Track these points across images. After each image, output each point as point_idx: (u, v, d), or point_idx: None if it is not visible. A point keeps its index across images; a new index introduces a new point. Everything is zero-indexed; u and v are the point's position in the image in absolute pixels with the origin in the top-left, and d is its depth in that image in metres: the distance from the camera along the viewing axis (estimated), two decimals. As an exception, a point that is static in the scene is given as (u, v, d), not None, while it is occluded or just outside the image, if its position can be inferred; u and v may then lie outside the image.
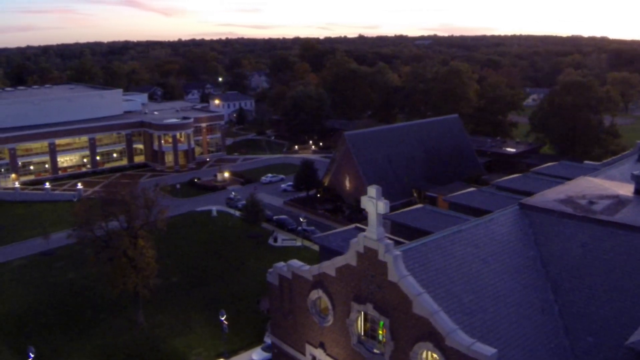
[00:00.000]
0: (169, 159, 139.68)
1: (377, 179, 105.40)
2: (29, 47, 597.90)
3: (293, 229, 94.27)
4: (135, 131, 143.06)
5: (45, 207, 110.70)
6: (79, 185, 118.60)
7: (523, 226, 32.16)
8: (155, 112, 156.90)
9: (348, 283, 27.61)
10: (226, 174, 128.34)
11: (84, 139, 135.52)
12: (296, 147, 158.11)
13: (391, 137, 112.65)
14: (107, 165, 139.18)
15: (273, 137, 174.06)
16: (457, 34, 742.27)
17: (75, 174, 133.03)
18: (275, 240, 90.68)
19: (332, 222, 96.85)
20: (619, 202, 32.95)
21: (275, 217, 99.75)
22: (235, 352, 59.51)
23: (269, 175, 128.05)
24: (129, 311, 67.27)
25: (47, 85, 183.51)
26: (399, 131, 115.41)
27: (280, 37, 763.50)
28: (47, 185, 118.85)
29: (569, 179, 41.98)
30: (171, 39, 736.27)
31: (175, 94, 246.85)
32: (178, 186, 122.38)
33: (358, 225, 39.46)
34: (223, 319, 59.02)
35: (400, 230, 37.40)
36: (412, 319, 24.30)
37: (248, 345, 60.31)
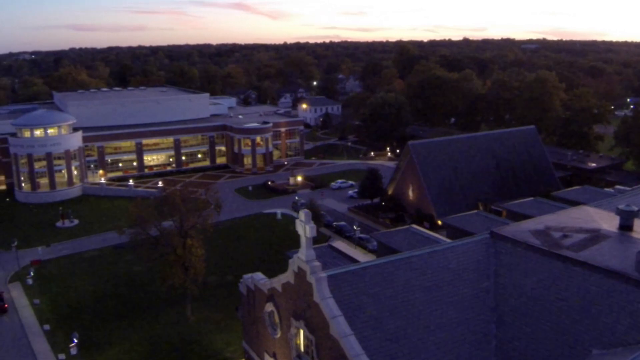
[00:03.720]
0: (248, 161, 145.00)
1: (440, 190, 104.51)
2: (140, 47, 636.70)
3: (350, 236, 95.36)
4: (218, 134, 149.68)
5: (127, 203, 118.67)
6: (160, 184, 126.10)
7: (487, 256, 31.57)
8: (240, 116, 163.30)
9: (289, 300, 28.96)
10: (299, 178, 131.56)
11: (170, 139, 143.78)
12: (372, 153, 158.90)
13: (459, 147, 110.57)
14: (191, 165, 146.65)
15: (350, 143, 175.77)
16: (567, 38, 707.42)
17: (160, 173, 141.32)
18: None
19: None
20: (596, 237, 31.50)
21: (334, 223, 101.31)
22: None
23: (339, 181, 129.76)
24: (181, 305, 71.31)
25: (142, 87, 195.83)
26: (467, 142, 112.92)
27: (384, 40, 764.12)
28: (131, 182, 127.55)
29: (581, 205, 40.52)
30: (277, 42, 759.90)
31: (269, 97, 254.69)
32: (250, 188, 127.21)
33: (331, 244, 40.48)
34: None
35: (383, 249, 38.05)
36: (330, 340, 25.27)
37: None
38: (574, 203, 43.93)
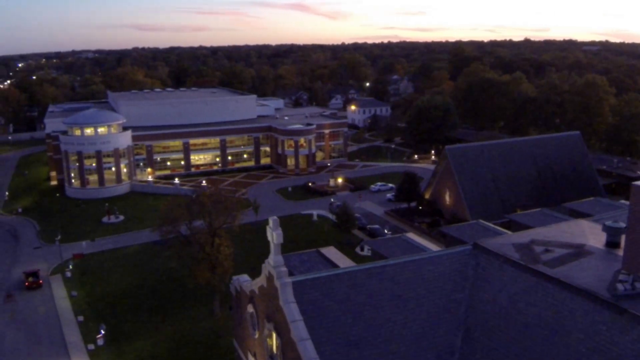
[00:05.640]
0: (291, 162, 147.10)
1: (477, 196, 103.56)
2: (200, 47, 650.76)
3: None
4: (263, 135, 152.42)
5: (181, 199, 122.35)
6: (203, 182, 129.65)
7: (465, 267, 31.58)
8: (286, 117, 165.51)
9: (263, 302, 30.29)
10: (339, 180, 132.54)
11: (217, 139, 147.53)
12: (416, 156, 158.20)
13: (498, 153, 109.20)
14: (237, 165, 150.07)
15: (394, 145, 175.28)
16: (629, 40, 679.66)
17: (206, 172, 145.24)
18: (362, 249, 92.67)
19: (425, 236, 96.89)
20: (578, 253, 31.00)
21: (368, 226, 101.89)
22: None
23: (379, 183, 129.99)
24: (210, 302, 73.69)
25: (194, 88, 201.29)
26: (507, 147, 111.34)
27: (443, 40, 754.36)
28: (177, 180, 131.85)
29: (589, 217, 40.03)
30: (335, 42, 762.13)
31: (320, 98, 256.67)
32: (289, 189, 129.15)
33: (319, 250, 41.43)
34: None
35: (376, 256, 38.75)
36: (291, 343, 26.40)
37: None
38: (581, 215, 43.30)
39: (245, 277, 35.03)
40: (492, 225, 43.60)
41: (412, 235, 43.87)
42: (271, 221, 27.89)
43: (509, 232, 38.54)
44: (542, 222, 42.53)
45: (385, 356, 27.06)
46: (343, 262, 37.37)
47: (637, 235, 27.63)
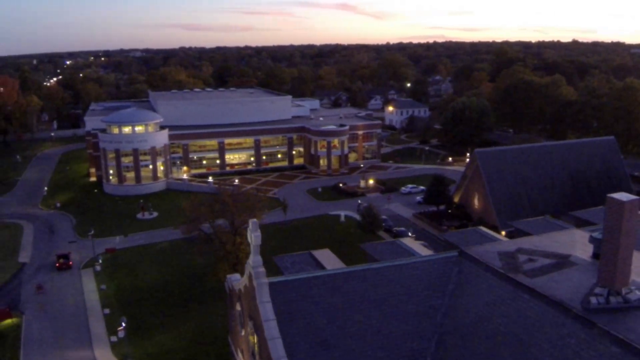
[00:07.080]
0: (323, 162, 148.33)
1: (506, 201, 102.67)
2: (246, 47, 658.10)
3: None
4: (297, 135, 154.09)
5: (205, 198, 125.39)
6: (236, 182, 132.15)
7: (448, 274, 32.00)
8: (321, 118, 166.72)
9: (246, 301, 31.64)
10: (370, 181, 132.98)
11: (251, 139, 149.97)
12: (450, 158, 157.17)
13: (529, 157, 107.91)
14: (270, 165, 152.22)
15: (427, 147, 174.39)
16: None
17: (240, 171, 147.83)
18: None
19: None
20: (561, 263, 31.01)
21: (394, 228, 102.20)
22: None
23: (409, 185, 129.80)
24: (232, 299, 75.53)
25: (232, 89, 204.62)
26: (538, 151, 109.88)
27: (490, 40, 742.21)
28: (210, 179, 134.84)
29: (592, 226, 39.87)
30: (380, 42, 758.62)
31: (359, 99, 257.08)
32: (319, 189, 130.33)
33: (311, 252, 42.41)
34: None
35: (369, 260, 39.52)
36: (265, 341, 27.60)
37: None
38: (585, 223, 42.99)
39: (236, 276, 36.49)
40: (492, 233, 43.83)
41: (407, 240, 44.53)
42: (251, 223, 29.19)
43: (503, 240, 38.80)
44: (543, 230, 42.47)
45: (355, 357, 27.99)
46: (333, 264, 38.36)
47: (612, 247, 27.70)
